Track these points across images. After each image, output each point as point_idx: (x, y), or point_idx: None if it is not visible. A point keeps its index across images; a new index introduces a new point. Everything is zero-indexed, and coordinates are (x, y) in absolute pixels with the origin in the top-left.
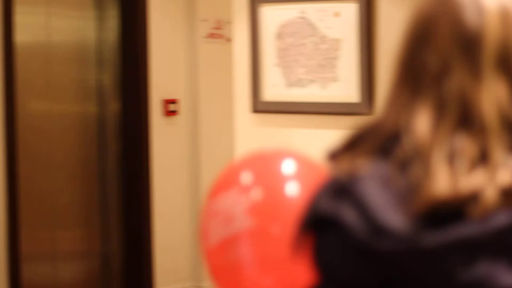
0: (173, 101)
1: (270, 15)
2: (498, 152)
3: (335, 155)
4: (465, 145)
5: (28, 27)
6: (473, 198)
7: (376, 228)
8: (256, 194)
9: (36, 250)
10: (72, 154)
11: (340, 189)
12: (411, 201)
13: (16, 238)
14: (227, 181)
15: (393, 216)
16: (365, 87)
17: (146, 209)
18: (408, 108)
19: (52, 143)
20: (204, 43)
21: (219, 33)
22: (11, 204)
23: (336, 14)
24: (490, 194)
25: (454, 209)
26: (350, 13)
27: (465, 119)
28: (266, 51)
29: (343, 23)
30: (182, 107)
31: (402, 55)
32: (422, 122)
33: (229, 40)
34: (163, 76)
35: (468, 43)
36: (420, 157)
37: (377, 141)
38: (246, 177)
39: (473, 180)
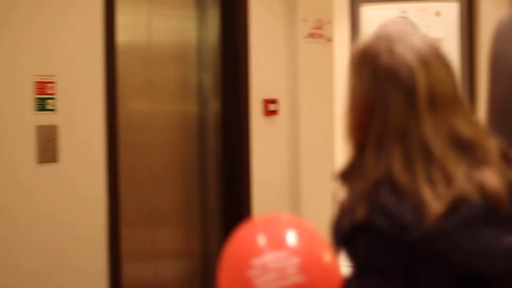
0: (273, 101)
1: (370, 15)
2: (459, 173)
3: (344, 174)
4: (435, 174)
5: (130, 27)
6: (458, 202)
7: (400, 224)
8: (305, 255)
9: (136, 249)
10: (172, 154)
11: (367, 200)
12: (417, 210)
13: (116, 237)
14: (273, 241)
15: (410, 217)
16: (466, 86)
17: (246, 209)
18: (383, 163)
19: (153, 143)
20: (304, 43)
21: (319, 33)
22: (112, 203)
23: (437, 14)
24: (467, 190)
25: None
26: (451, 13)
27: (426, 156)
28: None
29: (444, 23)
30: (282, 107)
31: (360, 105)
32: (401, 175)
33: (329, 40)
34: (263, 76)
35: (409, 95)
36: (414, 194)
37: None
38: (292, 239)
39: (450, 192)
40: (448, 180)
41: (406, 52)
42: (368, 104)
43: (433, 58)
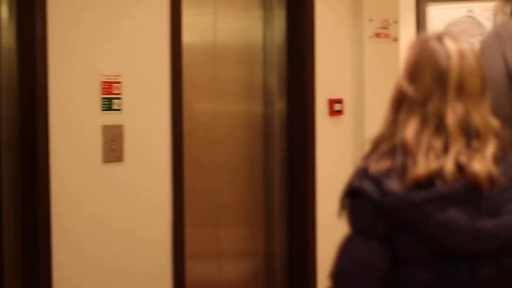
0: (338, 101)
1: (437, 14)
2: (455, 147)
3: (365, 157)
4: (436, 143)
5: (196, 27)
6: (439, 172)
7: (384, 192)
8: None
9: (200, 249)
10: (237, 154)
11: (363, 172)
12: (404, 177)
13: (180, 237)
14: None
15: (393, 186)
16: None
17: (311, 209)
18: (403, 124)
19: (217, 143)
20: (370, 43)
21: (385, 33)
22: (176, 202)
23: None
24: (449, 169)
25: (429, 181)
26: None
27: (437, 127)
28: None
29: None
30: (347, 107)
31: (400, 88)
32: (410, 132)
33: (395, 39)
34: (329, 75)
35: (441, 78)
36: (409, 153)
37: (385, 147)
38: None
39: (437, 163)
40: (444, 152)
41: (450, 43)
42: (409, 74)
43: (470, 55)
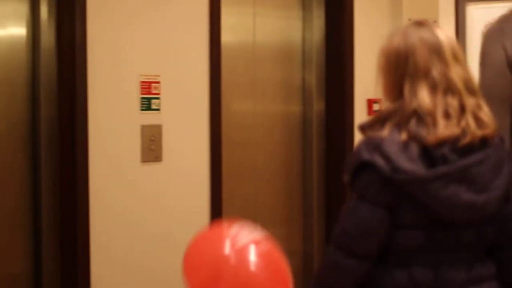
0: (377, 101)
1: (477, 14)
2: (469, 105)
3: (363, 127)
4: (452, 102)
5: (235, 27)
6: (461, 135)
7: (395, 168)
8: None
9: None
10: (275, 154)
11: (374, 146)
12: (421, 141)
13: None
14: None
15: (403, 162)
16: None
17: None
18: (414, 93)
19: (256, 143)
20: None
21: None
22: (214, 202)
23: None
24: (472, 131)
25: (440, 156)
26: None
27: (447, 89)
28: (473, 50)
29: None
30: None
31: (401, 62)
32: (425, 97)
33: None
34: (368, 75)
35: (438, 50)
36: (429, 116)
37: (397, 118)
38: None
39: (458, 128)
40: (461, 111)
41: (437, 30)
42: (403, 56)
43: (450, 33)
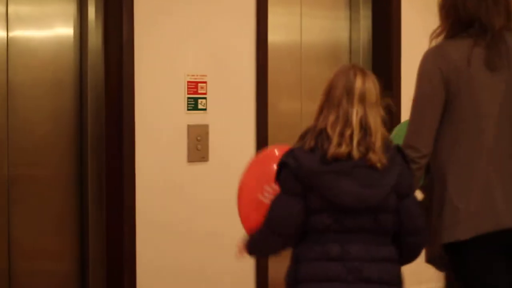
0: None
1: None
2: (357, 137)
3: (297, 142)
4: (346, 132)
5: (281, 27)
6: (347, 154)
7: (300, 165)
8: None
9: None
10: None
11: (289, 152)
12: (317, 154)
13: None
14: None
15: (307, 160)
16: None
17: None
18: (326, 118)
19: None
20: None
21: None
22: None
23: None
24: (355, 153)
25: (339, 158)
26: None
27: (346, 123)
28: None
29: None
30: None
31: (325, 94)
32: (330, 123)
33: None
34: (415, 75)
35: (348, 92)
36: (328, 138)
37: (310, 135)
38: None
39: (347, 148)
40: (350, 139)
41: (357, 70)
42: (329, 88)
43: (370, 79)
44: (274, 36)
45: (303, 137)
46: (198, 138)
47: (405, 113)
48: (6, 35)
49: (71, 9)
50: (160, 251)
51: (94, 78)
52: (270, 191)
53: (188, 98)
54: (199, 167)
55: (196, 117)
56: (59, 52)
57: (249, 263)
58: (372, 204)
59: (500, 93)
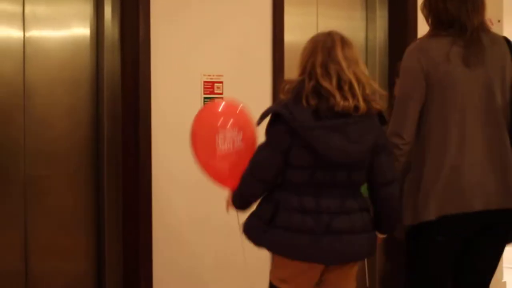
0: None
1: None
2: (359, 90)
3: (284, 94)
4: (345, 86)
5: (298, 27)
6: (354, 107)
7: (294, 118)
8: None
9: None
10: None
11: (283, 105)
12: (312, 110)
13: None
14: (231, 122)
15: (301, 115)
16: None
17: None
18: (314, 75)
19: None
20: None
21: None
22: None
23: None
24: (362, 106)
25: (326, 116)
26: None
27: (341, 79)
28: None
29: None
30: None
31: (304, 59)
32: (327, 81)
33: None
34: None
35: (330, 51)
36: (330, 94)
37: (301, 90)
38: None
39: (351, 102)
40: (351, 91)
41: (334, 33)
42: (310, 52)
43: (347, 39)
44: (290, 36)
45: (293, 91)
46: None
47: None
48: (23, 35)
49: (88, 9)
50: (177, 250)
51: (110, 78)
52: (222, 136)
53: (205, 98)
54: None
55: None
56: (75, 52)
57: (267, 259)
58: (356, 159)
59: (475, 88)
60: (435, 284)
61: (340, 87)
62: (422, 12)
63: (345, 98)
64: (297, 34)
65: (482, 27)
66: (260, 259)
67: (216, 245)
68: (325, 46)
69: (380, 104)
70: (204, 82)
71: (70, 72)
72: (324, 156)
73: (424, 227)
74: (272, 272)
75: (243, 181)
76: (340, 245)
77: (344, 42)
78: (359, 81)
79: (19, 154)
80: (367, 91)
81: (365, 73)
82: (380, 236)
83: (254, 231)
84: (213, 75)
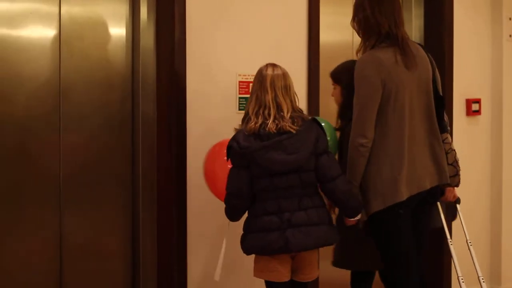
0: (476, 101)
1: None
2: (272, 113)
3: (240, 125)
4: (264, 112)
5: (333, 27)
6: (263, 126)
7: (240, 146)
8: None
9: None
10: None
11: (233, 137)
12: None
13: None
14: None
15: (244, 142)
16: None
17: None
18: (248, 105)
19: None
20: (509, 42)
21: None
22: None
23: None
24: (270, 128)
25: (264, 135)
26: None
27: (261, 105)
28: None
29: None
30: (485, 107)
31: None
32: (251, 108)
33: None
34: (467, 75)
35: (262, 81)
36: (252, 116)
37: (245, 119)
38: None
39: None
40: (267, 116)
41: (269, 66)
42: (255, 83)
43: (279, 71)
44: (326, 36)
45: (242, 122)
46: None
47: (458, 109)
48: (59, 35)
49: (124, 9)
50: (211, 251)
51: (145, 78)
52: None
53: (240, 98)
54: None
55: None
56: (111, 52)
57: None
58: (296, 166)
59: (415, 88)
60: (408, 249)
61: (257, 113)
62: (353, 26)
63: (255, 123)
64: (332, 34)
65: (406, 36)
66: None
67: None
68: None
69: (291, 126)
70: (239, 82)
71: (105, 72)
72: (270, 168)
73: (391, 208)
74: (254, 269)
75: (226, 201)
76: (300, 235)
77: (275, 72)
78: (278, 105)
79: (55, 154)
80: (284, 113)
81: (287, 99)
82: (349, 220)
83: (240, 244)
84: (248, 75)
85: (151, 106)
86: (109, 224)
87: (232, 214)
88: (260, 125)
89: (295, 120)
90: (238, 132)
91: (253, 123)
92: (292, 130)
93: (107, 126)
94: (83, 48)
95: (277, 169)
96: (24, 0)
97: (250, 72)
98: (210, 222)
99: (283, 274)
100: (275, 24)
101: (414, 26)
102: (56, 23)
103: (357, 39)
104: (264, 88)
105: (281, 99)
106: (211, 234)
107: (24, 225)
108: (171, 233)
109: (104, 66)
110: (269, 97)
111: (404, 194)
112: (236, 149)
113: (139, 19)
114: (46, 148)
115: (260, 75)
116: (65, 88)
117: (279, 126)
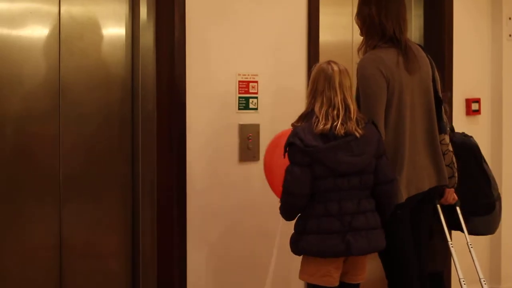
0: (476, 100)
1: None
2: (341, 115)
3: (293, 123)
4: (333, 113)
5: (333, 27)
6: (332, 128)
7: (306, 144)
8: None
9: None
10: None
11: (295, 133)
12: (314, 132)
13: None
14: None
15: (310, 141)
16: None
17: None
18: (313, 104)
19: None
20: (509, 41)
21: None
22: None
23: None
24: (339, 130)
25: (331, 136)
26: None
27: (330, 105)
28: None
29: None
30: (484, 107)
31: (312, 85)
32: (317, 107)
33: None
34: (466, 75)
35: (329, 80)
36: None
37: (308, 116)
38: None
39: (330, 124)
40: (336, 117)
41: (333, 64)
42: (313, 81)
43: (344, 69)
44: (325, 36)
45: (302, 118)
46: (249, 137)
47: (457, 109)
48: (58, 35)
49: (123, 9)
50: (211, 251)
51: (145, 77)
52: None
53: (239, 97)
54: (250, 166)
55: (247, 117)
56: (111, 52)
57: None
58: (361, 168)
59: (416, 90)
60: (409, 250)
61: (326, 114)
62: (356, 22)
63: (325, 124)
64: (332, 34)
65: (408, 38)
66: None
67: (251, 247)
68: (327, 76)
69: (357, 129)
70: (239, 81)
71: (105, 72)
72: (336, 169)
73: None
74: (302, 271)
75: (282, 199)
76: (361, 239)
77: (341, 71)
78: (347, 107)
79: (55, 153)
80: (352, 115)
81: (353, 100)
82: None
83: (292, 244)
84: (248, 75)
85: (151, 106)
86: (109, 224)
87: (289, 213)
88: (330, 126)
89: (359, 122)
90: (299, 129)
91: (322, 124)
92: (357, 134)
93: (107, 125)
94: (83, 48)
95: (343, 170)
96: (24, 0)
97: (249, 72)
98: (210, 222)
99: (335, 279)
100: (275, 24)
101: (414, 26)
102: (55, 23)
103: (357, 39)
104: (333, 88)
105: (349, 101)
106: (211, 234)
107: (24, 225)
108: (171, 233)
109: (103, 66)
110: (338, 98)
111: (403, 195)
112: (300, 146)
113: (139, 19)
114: (46, 148)
115: (325, 74)
116: (65, 87)
117: (346, 128)
